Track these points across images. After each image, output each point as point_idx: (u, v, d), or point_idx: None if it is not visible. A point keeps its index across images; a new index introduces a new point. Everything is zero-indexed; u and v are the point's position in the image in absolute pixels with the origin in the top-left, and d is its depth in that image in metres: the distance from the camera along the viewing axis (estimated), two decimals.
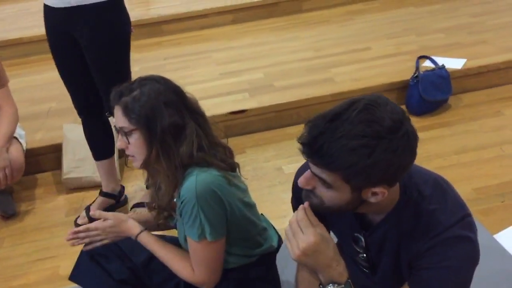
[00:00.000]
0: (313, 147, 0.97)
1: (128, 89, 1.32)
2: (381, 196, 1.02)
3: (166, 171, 1.34)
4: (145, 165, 1.36)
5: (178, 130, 1.31)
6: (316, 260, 1.07)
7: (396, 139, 0.95)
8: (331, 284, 1.09)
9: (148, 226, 1.55)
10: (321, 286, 1.12)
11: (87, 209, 2.37)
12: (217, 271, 1.41)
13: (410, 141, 0.98)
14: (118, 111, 1.32)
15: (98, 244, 1.51)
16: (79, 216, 2.37)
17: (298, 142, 1.00)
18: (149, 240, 1.46)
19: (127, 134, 1.32)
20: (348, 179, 0.98)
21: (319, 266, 1.08)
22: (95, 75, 2.08)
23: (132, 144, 1.33)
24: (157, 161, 1.34)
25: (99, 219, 1.50)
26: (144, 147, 1.32)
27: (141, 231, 1.46)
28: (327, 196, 1.04)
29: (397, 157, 0.96)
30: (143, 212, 1.65)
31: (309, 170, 1.04)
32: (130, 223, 1.48)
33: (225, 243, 1.39)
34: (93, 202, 2.39)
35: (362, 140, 0.94)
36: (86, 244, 1.52)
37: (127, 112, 1.30)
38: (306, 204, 1.09)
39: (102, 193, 2.37)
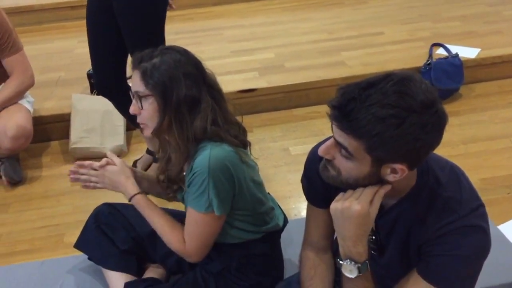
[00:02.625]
0: (343, 111, 0.96)
1: (148, 55, 1.32)
2: (399, 175, 1.01)
3: (177, 142, 1.34)
4: (156, 134, 1.36)
5: (194, 103, 1.32)
6: (344, 224, 1.08)
7: (427, 114, 0.94)
8: (348, 260, 1.10)
9: (150, 189, 1.57)
10: (338, 259, 1.13)
11: (134, 163, 2.47)
12: (208, 246, 1.41)
13: (440, 120, 0.97)
14: (136, 75, 1.32)
15: (91, 186, 1.52)
16: None
17: (329, 105, 0.99)
18: (143, 204, 1.45)
19: (141, 99, 1.32)
20: (372, 149, 0.97)
21: (343, 231, 1.09)
22: (127, 42, 2.07)
23: (145, 110, 1.33)
24: (169, 131, 1.34)
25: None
26: (157, 114, 1.32)
27: (138, 193, 1.45)
28: (345, 167, 1.03)
29: (425, 133, 0.95)
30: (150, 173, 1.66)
31: (331, 139, 1.04)
32: (130, 181, 1.46)
33: (224, 221, 1.39)
34: (140, 158, 2.49)
35: (393, 110, 0.93)
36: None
37: (144, 77, 1.30)
38: (388, 186, 1.07)
39: (147, 151, 2.46)
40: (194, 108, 1.32)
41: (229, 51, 3.51)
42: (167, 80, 1.29)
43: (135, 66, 1.33)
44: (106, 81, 2.22)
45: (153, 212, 1.45)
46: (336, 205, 1.08)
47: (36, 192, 2.46)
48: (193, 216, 1.36)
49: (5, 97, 2.45)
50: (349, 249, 1.09)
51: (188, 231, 1.39)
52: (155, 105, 1.31)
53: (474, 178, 2.21)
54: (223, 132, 1.33)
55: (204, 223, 1.35)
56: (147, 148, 2.48)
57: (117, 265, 1.61)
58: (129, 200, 1.46)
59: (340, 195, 1.10)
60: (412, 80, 0.96)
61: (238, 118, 1.45)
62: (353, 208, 1.05)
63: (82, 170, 1.52)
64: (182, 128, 1.32)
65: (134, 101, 1.34)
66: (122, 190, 1.47)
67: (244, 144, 1.42)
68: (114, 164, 1.48)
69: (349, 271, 1.11)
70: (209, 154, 1.28)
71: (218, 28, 3.93)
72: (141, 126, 1.38)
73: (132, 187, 1.46)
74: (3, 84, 2.51)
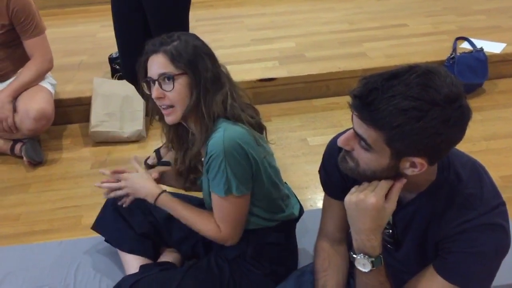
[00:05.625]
0: (364, 101, 0.95)
1: (168, 40, 1.34)
2: (418, 170, 1.00)
3: (201, 121, 1.35)
4: (185, 115, 1.37)
5: (216, 79, 1.36)
6: (358, 217, 1.07)
7: (450, 109, 0.92)
8: (361, 254, 1.10)
9: (171, 182, 1.59)
10: (351, 252, 1.13)
11: (157, 151, 2.47)
12: (241, 227, 1.42)
13: (463, 115, 0.95)
14: (160, 57, 1.33)
15: (118, 193, 1.52)
16: (149, 157, 2.46)
17: (350, 94, 0.98)
18: (170, 201, 1.46)
19: (173, 79, 1.32)
20: (391, 141, 0.95)
21: (357, 224, 1.08)
22: (153, 30, 2.07)
23: (175, 91, 1.33)
24: (196, 109, 1.35)
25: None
26: (187, 92, 1.34)
27: (163, 192, 1.47)
28: (364, 158, 1.02)
29: (447, 128, 0.93)
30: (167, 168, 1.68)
31: (351, 130, 1.03)
32: (152, 182, 1.50)
33: (249, 199, 1.40)
34: (161, 146, 2.49)
35: (415, 103, 0.91)
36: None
37: (173, 57, 1.32)
38: (403, 180, 1.06)
39: None
40: (216, 84, 1.36)
41: (249, 39, 3.50)
42: (194, 57, 1.33)
43: (156, 49, 1.34)
44: (133, 66, 2.22)
45: (181, 206, 1.46)
46: (351, 198, 1.07)
47: (55, 174, 2.49)
48: (218, 201, 1.37)
49: (25, 80, 2.49)
50: (363, 243, 1.09)
51: (217, 216, 1.40)
52: (187, 83, 1.33)
53: (495, 175, 2.13)
54: (239, 110, 1.36)
55: (229, 205, 1.36)
56: None
57: (133, 248, 1.63)
58: (155, 200, 1.46)
59: (355, 187, 1.09)
60: (436, 73, 0.94)
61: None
62: (368, 201, 1.04)
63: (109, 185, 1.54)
64: (207, 105, 1.34)
65: (156, 86, 1.35)
66: (145, 193, 1.48)
67: (260, 127, 1.43)
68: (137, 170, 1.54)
69: (363, 265, 1.10)
70: (223, 136, 1.29)
71: (238, 16, 3.92)
72: (167, 111, 1.37)
73: (155, 188, 1.48)
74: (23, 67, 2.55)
